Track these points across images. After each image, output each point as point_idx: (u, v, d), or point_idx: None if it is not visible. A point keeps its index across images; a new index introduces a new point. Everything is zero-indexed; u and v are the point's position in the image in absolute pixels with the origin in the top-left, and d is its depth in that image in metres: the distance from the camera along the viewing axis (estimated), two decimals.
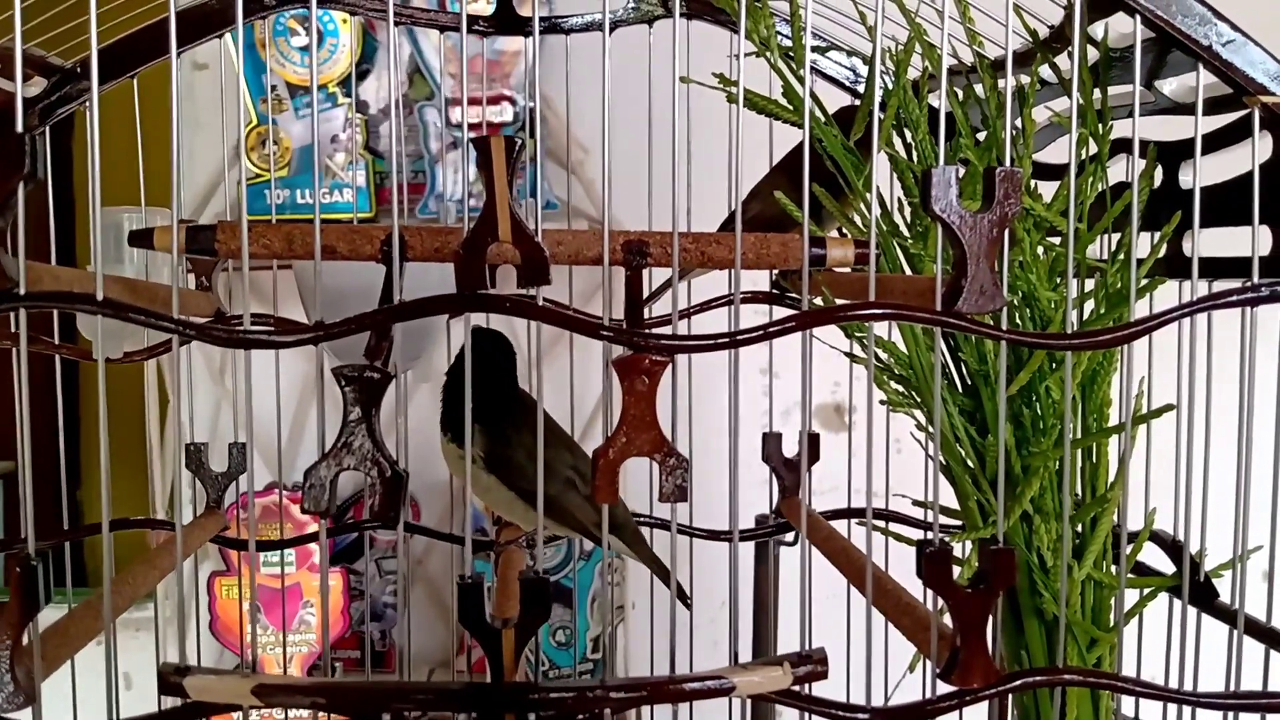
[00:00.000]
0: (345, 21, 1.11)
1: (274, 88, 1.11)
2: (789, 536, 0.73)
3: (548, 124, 1.11)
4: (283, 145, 1.13)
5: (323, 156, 1.13)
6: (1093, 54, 0.50)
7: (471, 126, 1.06)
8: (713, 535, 0.70)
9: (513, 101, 1.13)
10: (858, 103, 0.66)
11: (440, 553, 1.22)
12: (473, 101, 1.01)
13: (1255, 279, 0.43)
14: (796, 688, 0.42)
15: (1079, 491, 0.52)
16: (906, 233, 0.53)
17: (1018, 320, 0.51)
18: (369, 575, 1.18)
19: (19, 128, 0.38)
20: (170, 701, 0.42)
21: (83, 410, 1.69)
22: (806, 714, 0.43)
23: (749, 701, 0.43)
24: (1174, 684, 0.46)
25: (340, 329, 0.40)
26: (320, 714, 0.42)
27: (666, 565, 0.65)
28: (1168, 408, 0.48)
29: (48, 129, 0.59)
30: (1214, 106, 0.46)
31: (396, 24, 0.62)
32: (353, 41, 1.11)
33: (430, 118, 1.14)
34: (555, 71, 0.73)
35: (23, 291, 0.39)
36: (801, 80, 0.54)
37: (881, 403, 0.55)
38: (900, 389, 0.54)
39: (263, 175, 1.10)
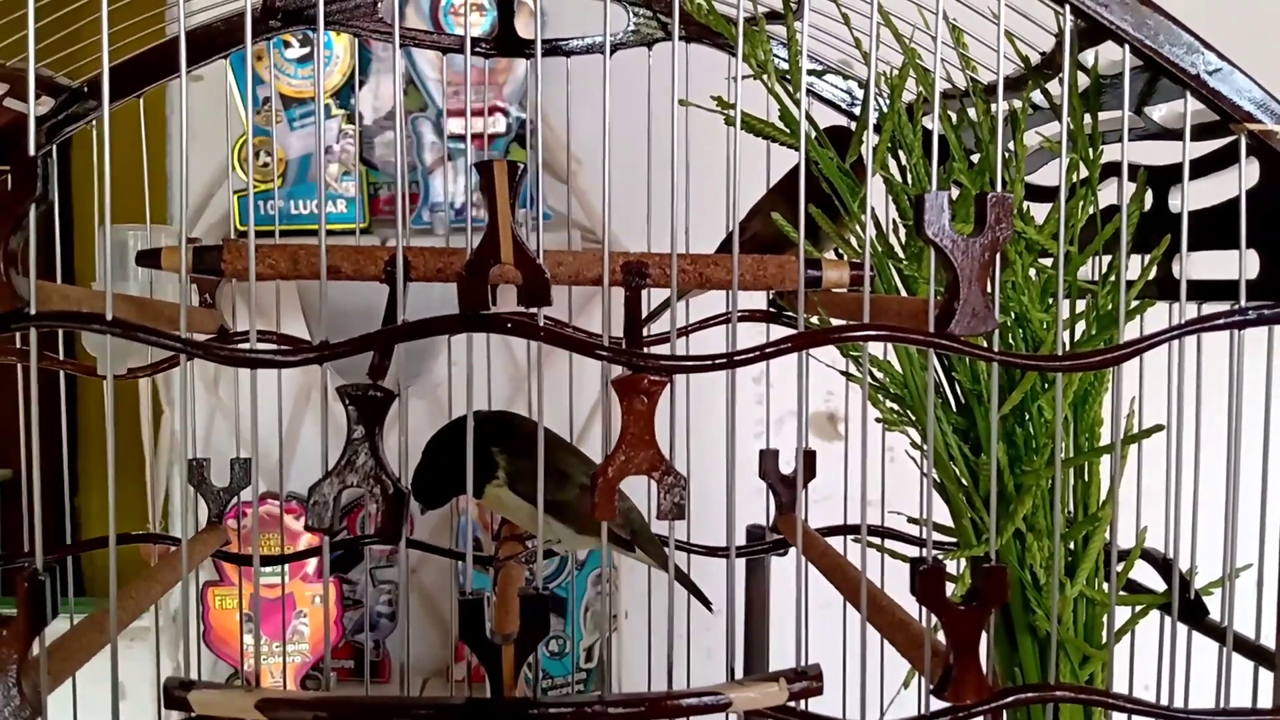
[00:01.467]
0: (339, 34, 1.12)
1: (266, 100, 1.12)
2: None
3: (542, 136, 1.12)
4: (277, 157, 1.13)
5: (317, 169, 1.13)
6: (1083, 80, 0.51)
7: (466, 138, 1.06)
8: (711, 551, 0.71)
9: (506, 113, 1.13)
10: (848, 123, 0.67)
11: (435, 563, 1.22)
12: (467, 113, 1.02)
13: (1243, 302, 0.43)
14: (792, 704, 0.42)
15: (1071, 510, 0.52)
16: (901, 254, 0.54)
17: (1010, 341, 0.52)
18: (364, 585, 1.18)
19: (30, 150, 0.39)
20: (169, 716, 0.42)
21: (80, 420, 1.69)
22: None
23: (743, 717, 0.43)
24: (1165, 701, 0.47)
25: (343, 349, 0.40)
26: None
27: (679, 570, 0.66)
28: (1157, 428, 0.48)
29: (54, 148, 0.60)
30: (1202, 132, 0.47)
31: (401, 46, 0.63)
32: (347, 54, 1.12)
33: (424, 129, 1.15)
34: (549, 85, 0.74)
35: (33, 311, 0.39)
36: (798, 103, 0.54)
37: (877, 420, 0.56)
38: (895, 408, 0.55)
39: (259, 186, 1.11)
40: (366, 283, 0.52)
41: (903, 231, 0.55)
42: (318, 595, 1.13)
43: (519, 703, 0.40)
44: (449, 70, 1.10)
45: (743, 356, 0.41)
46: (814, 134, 0.56)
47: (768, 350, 0.42)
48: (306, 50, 1.12)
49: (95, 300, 0.45)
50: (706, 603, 0.66)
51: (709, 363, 0.41)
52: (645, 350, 0.42)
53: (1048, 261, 0.52)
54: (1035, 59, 0.53)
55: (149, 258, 0.47)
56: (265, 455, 1.05)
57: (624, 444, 0.41)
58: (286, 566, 0.97)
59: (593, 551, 1.18)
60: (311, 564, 1.12)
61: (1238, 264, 0.44)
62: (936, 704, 0.43)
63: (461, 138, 1.11)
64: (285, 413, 0.64)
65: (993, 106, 0.53)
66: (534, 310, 0.42)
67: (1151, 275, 0.50)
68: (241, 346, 0.40)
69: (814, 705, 0.43)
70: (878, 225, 0.55)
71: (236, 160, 1.08)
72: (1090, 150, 0.50)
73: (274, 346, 0.66)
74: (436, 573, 1.22)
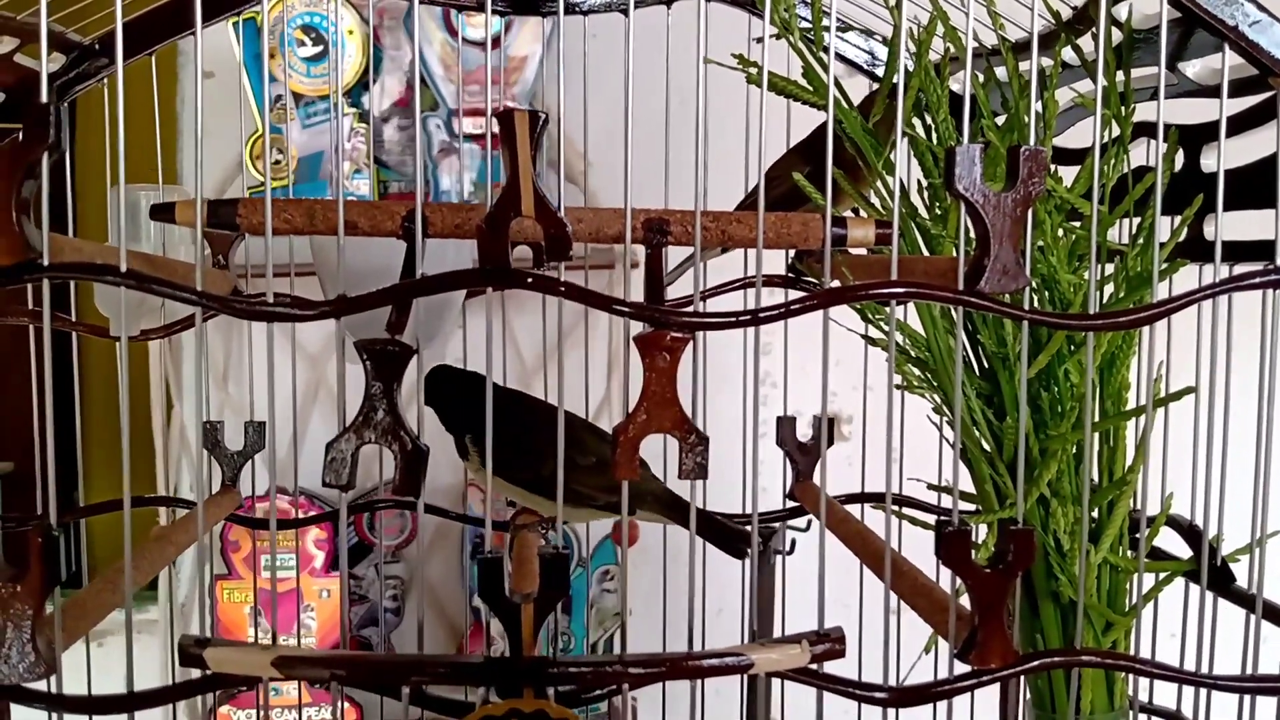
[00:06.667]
0: (351, 32, 1.12)
1: (278, 98, 1.11)
2: (785, 544, 0.73)
3: (551, 135, 1.11)
4: (287, 154, 1.13)
5: (328, 166, 1.13)
6: (1115, 36, 0.50)
7: (476, 138, 1.07)
8: (728, 518, 0.70)
9: None
10: (880, 62, 0.66)
11: (439, 558, 1.22)
12: (477, 112, 1.03)
13: (1278, 262, 0.42)
14: (814, 666, 0.42)
15: (1096, 475, 0.52)
16: (925, 214, 0.53)
17: (1037, 304, 0.51)
18: (371, 579, 1.18)
19: (43, 98, 0.38)
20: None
21: (82, 419, 1.68)
22: (821, 695, 0.43)
23: (744, 692, 0.43)
24: (1190, 667, 0.46)
25: (361, 303, 0.40)
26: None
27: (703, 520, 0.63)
28: (1187, 390, 0.48)
29: (67, 105, 0.59)
30: (1237, 89, 0.46)
31: (421, 2, 0.62)
32: (359, 52, 1.11)
33: (433, 126, 1.15)
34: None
35: (46, 262, 0.39)
36: (823, 64, 0.53)
37: (898, 387, 0.55)
38: (917, 372, 0.54)
39: (271, 183, 1.10)
40: (381, 248, 0.51)
41: (926, 192, 0.54)
42: (325, 589, 1.13)
43: (538, 661, 0.39)
44: (459, 68, 1.10)
45: (766, 314, 0.40)
46: (838, 93, 0.55)
47: (792, 307, 0.41)
48: (318, 49, 1.12)
49: (108, 255, 0.44)
50: (738, 552, 0.63)
51: (732, 320, 0.40)
52: (667, 307, 0.41)
53: (1076, 223, 0.51)
54: (1066, 13, 0.52)
55: (163, 211, 0.46)
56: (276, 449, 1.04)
57: (646, 402, 0.40)
58: (292, 560, 0.97)
59: (599, 547, 1.18)
60: (319, 559, 1.13)
61: (1274, 223, 0.43)
62: (959, 668, 0.42)
63: (470, 137, 1.11)
64: (290, 406, 0.64)
65: (1023, 64, 0.52)
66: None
67: (1183, 236, 0.49)
68: (258, 300, 0.40)
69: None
70: (901, 184, 0.54)
71: (249, 157, 1.08)
72: (1122, 108, 0.49)
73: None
74: (442, 568, 1.22)
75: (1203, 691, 0.46)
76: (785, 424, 0.68)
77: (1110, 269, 0.50)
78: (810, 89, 0.53)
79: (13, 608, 0.39)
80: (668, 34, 0.64)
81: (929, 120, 0.53)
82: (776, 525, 0.72)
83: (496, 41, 1.07)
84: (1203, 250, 0.52)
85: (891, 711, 0.44)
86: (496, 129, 0.39)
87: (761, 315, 0.40)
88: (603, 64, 0.64)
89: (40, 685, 0.40)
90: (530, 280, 0.40)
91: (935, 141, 0.53)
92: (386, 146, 1.15)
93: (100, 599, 0.46)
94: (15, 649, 0.39)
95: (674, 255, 0.65)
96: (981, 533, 0.53)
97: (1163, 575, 0.51)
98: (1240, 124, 0.48)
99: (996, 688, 0.44)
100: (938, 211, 0.53)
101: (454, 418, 0.61)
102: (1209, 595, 0.48)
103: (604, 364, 1.16)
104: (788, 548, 0.73)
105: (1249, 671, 0.45)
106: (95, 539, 1.63)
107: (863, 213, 0.56)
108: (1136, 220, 0.50)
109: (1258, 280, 0.42)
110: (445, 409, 0.61)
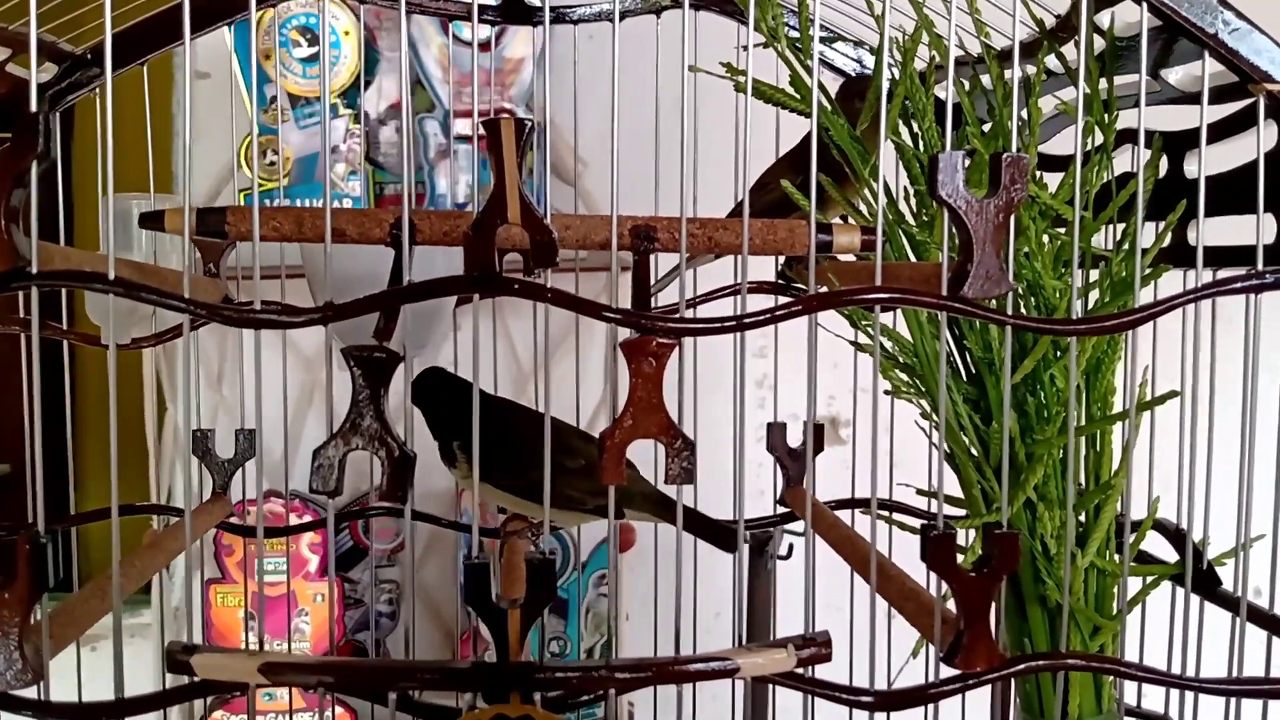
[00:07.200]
0: (348, 33, 1.12)
1: (273, 99, 1.12)
2: (783, 549, 0.73)
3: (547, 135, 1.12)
4: (283, 155, 1.13)
5: (323, 168, 1.13)
6: (1099, 44, 0.50)
7: (470, 138, 1.07)
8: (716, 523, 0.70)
9: (512, 115, 1.13)
10: (867, 71, 0.67)
11: (434, 563, 1.21)
12: (471, 114, 1.03)
13: (1260, 266, 0.43)
14: (800, 670, 0.42)
15: (1082, 480, 0.52)
16: (912, 221, 0.54)
17: (1023, 309, 0.51)
18: (366, 583, 1.18)
19: (33, 107, 0.39)
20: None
21: (79, 420, 1.68)
22: (809, 699, 0.43)
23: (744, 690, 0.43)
24: (1176, 670, 0.47)
25: (349, 310, 0.40)
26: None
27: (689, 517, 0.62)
28: (1172, 394, 0.48)
29: (58, 115, 0.59)
30: (1219, 96, 0.46)
31: (408, 13, 0.62)
32: (354, 54, 1.12)
33: (430, 129, 1.15)
34: (554, 82, 0.73)
35: (35, 270, 0.39)
36: (809, 70, 0.54)
37: (886, 393, 0.55)
38: (904, 377, 0.54)
39: (265, 185, 1.10)
40: (370, 254, 0.52)
41: (914, 199, 0.54)
42: (319, 594, 1.13)
43: (524, 666, 0.39)
44: (455, 70, 1.10)
45: (751, 319, 0.41)
46: (824, 101, 0.56)
47: (777, 313, 0.41)
48: (314, 50, 1.12)
49: (98, 263, 0.44)
50: (729, 545, 0.63)
51: (718, 325, 0.41)
52: (653, 312, 0.41)
53: (1061, 229, 0.51)
54: (1050, 22, 0.52)
55: (152, 219, 0.46)
56: (269, 453, 1.04)
57: (632, 407, 0.41)
58: (286, 564, 0.97)
59: (595, 552, 1.18)
60: (313, 563, 1.13)
61: (1256, 228, 0.44)
62: (946, 672, 0.42)
63: (467, 138, 1.11)
64: (287, 413, 0.64)
65: (1007, 72, 0.52)
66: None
67: (1166, 241, 0.49)
68: (246, 307, 0.40)
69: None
70: (887, 190, 0.54)
71: (243, 158, 1.08)
72: (1105, 115, 0.49)
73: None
74: (438, 573, 1.22)
75: (1189, 694, 0.46)
76: (776, 430, 0.68)
77: (1095, 274, 0.50)
78: (797, 97, 0.54)
79: None
80: (657, 43, 0.65)
81: (915, 128, 0.54)
82: (773, 530, 0.72)
83: (493, 43, 1.08)
84: (1186, 255, 0.52)
85: (880, 715, 0.44)
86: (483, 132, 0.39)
87: (746, 321, 0.40)
88: (596, 64, 0.64)
89: (29, 692, 0.40)
90: (517, 286, 0.40)
91: (921, 149, 0.53)
92: (383, 148, 1.15)
93: (89, 606, 0.46)
94: (1, 656, 0.39)
95: (666, 261, 0.65)
96: (969, 537, 0.53)
97: (1149, 579, 0.51)
98: (1222, 130, 0.49)
99: (986, 692, 0.44)
100: (924, 218, 0.54)
101: (442, 424, 0.61)
102: (1194, 598, 0.48)
103: (601, 366, 1.16)
104: (785, 552, 0.73)
105: (1234, 674, 0.45)
106: (89, 542, 1.62)
107: (850, 219, 0.57)
108: (1120, 226, 0.50)
109: (1240, 285, 0.42)
110: (433, 414, 0.61)
